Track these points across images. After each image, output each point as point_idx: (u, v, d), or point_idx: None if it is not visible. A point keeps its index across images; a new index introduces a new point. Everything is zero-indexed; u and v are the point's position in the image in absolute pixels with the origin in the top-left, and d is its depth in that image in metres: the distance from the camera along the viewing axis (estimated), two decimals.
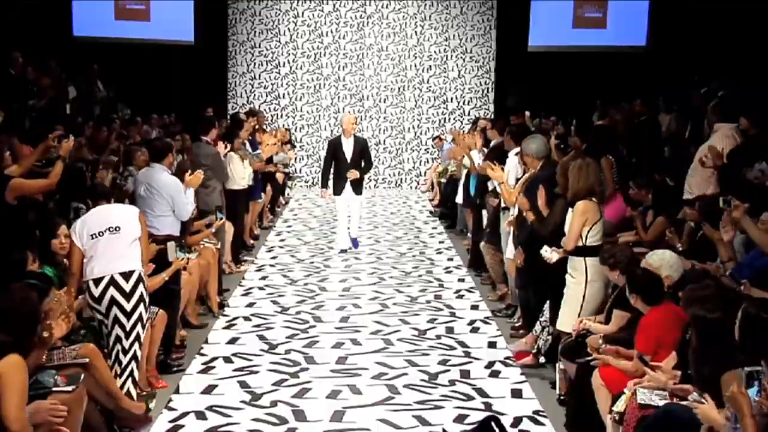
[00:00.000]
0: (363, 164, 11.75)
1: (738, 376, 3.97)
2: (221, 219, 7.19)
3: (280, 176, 14.58)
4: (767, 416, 3.79)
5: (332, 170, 11.73)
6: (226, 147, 9.92)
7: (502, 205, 8.57)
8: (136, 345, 6.03)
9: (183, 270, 7.58)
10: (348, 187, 11.62)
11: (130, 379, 6.00)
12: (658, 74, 14.51)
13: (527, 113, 14.11)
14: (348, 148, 11.63)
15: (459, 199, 11.88)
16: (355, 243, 12.01)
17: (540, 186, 7.11)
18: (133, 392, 6.04)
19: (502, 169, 8.48)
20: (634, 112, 13.20)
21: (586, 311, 6.40)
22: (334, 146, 11.68)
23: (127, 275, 5.94)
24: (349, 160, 11.60)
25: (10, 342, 4.27)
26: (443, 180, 14.25)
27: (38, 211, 6.95)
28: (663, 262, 5.85)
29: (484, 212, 9.92)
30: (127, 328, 5.96)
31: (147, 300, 6.09)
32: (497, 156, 9.05)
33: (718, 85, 12.20)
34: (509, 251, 8.31)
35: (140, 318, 6.01)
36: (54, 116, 11.14)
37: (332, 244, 12.25)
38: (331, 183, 11.93)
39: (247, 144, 11.48)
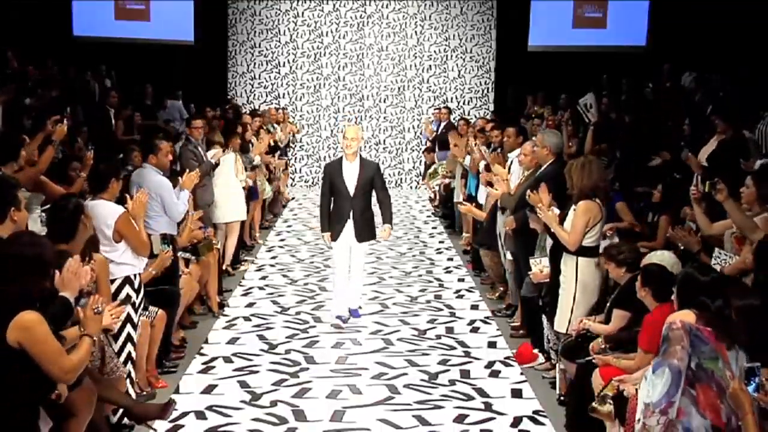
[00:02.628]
0: (378, 199, 8.47)
1: (738, 372, 3.97)
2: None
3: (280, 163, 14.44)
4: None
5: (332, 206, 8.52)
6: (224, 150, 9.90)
7: (500, 204, 8.55)
8: (129, 346, 6.03)
9: (183, 271, 7.58)
10: (349, 229, 8.38)
11: (127, 381, 5.99)
12: (658, 74, 14.48)
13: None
14: (351, 176, 8.31)
15: (460, 198, 11.86)
16: (354, 313, 8.68)
17: (542, 184, 7.04)
18: (132, 393, 6.04)
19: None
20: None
21: (578, 311, 6.35)
22: (331, 173, 8.39)
23: (112, 280, 5.97)
24: (352, 193, 8.30)
25: (17, 293, 4.01)
26: (436, 183, 14.19)
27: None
28: (662, 262, 5.84)
29: None
30: (114, 330, 5.96)
31: (137, 301, 6.08)
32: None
33: (718, 84, 12.21)
34: (508, 253, 8.30)
35: (129, 319, 5.99)
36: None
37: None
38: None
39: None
